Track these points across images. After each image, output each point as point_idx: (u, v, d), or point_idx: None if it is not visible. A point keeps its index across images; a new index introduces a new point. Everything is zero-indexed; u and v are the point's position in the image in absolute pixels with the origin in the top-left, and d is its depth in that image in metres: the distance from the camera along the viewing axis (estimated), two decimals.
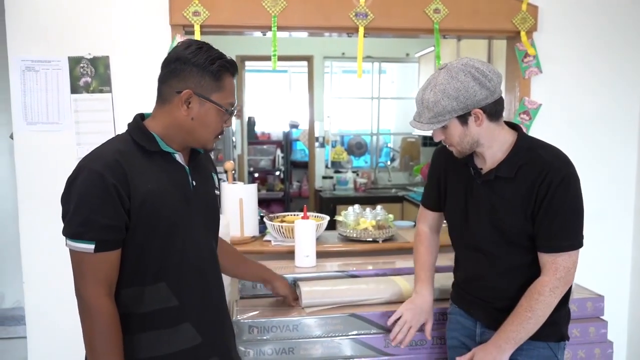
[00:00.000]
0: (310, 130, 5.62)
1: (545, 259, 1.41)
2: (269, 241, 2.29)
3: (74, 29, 2.19)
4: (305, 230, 2.02)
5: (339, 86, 5.89)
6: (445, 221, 1.72)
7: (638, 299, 2.57)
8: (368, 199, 4.75)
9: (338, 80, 5.91)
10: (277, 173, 6.28)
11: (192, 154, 1.35)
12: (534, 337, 1.45)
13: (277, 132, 6.52)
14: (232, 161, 2.54)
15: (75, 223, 1.17)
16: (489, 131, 1.43)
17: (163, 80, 1.27)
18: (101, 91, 2.21)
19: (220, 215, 1.52)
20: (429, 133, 1.49)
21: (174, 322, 1.28)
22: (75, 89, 2.20)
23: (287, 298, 1.76)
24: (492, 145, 1.46)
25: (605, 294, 1.89)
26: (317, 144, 5.64)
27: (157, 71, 2.18)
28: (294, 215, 2.44)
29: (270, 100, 6.68)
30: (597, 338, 1.83)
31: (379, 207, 2.42)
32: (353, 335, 1.72)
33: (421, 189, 4.85)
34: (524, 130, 1.70)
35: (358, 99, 5.99)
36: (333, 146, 5.66)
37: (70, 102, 2.20)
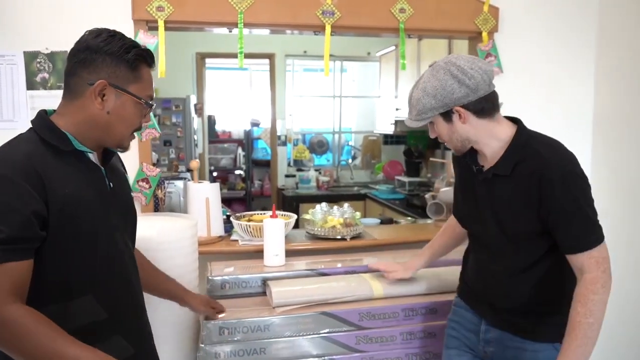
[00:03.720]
0: (272, 128, 5.58)
1: (580, 259, 1.33)
2: (236, 241, 2.26)
3: (30, 22, 2.10)
4: (274, 229, 2.01)
5: (301, 84, 5.88)
6: None
7: None
8: (331, 197, 4.76)
9: (299, 78, 5.90)
10: (238, 172, 6.22)
11: (106, 154, 1.24)
12: (540, 338, 1.42)
13: (238, 131, 6.46)
14: (197, 160, 2.48)
15: None
16: (481, 128, 1.39)
17: (71, 72, 1.14)
18: (60, 87, 2.12)
19: (185, 216, 1.46)
20: (414, 126, 1.47)
21: (104, 335, 1.18)
22: (31, 85, 2.11)
23: (208, 315, 1.66)
24: (490, 142, 1.42)
25: None
26: (278, 142, 5.61)
27: None
28: (261, 214, 2.42)
29: (231, 98, 6.60)
30: None
31: (346, 205, 2.43)
32: (324, 333, 1.72)
33: (383, 187, 4.92)
34: None
35: (320, 98, 6.00)
36: (295, 144, 5.64)
37: (26, 99, 2.11)
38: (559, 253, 1.38)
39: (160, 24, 2.13)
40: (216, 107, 6.31)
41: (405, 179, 4.76)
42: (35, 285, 1.08)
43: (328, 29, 2.26)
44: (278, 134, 5.58)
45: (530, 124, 1.45)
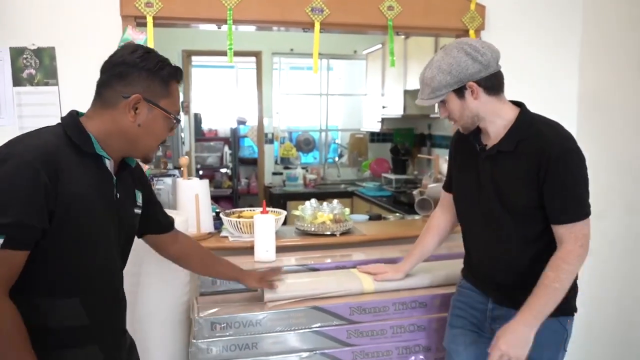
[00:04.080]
0: (259, 126, 5.57)
1: (562, 231, 1.44)
2: (226, 237, 2.26)
3: (16, 18, 2.07)
4: (265, 224, 2.02)
5: (287, 82, 5.88)
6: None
7: None
8: (318, 195, 4.72)
9: (286, 76, 5.90)
10: (225, 170, 6.19)
11: (121, 166, 1.28)
12: None
13: (224, 129, 6.43)
14: (186, 156, 2.48)
15: None
16: (489, 105, 1.49)
17: (106, 84, 1.20)
18: (47, 84, 2.11)
19: (174, 212, 1.48)
20: (427, 104, 1.55)
21: (80, 342, 1.18)
22: (18, 82, 2.08)
23: (262, 287, 1.76)
24: (495, 121, 1.52)
25: None
26: (265, 140, 5.60)
27: None
28: (251, 210, 2.42)
29: (217, 97, 6.57)
30: None
31: (335, 201, 2.45)
32: (316, 327, 1.74)
33: (370, 184, 4.94)
34: None
35: (306, 96, 6.01)
36: (282, 142, 5.64)
37: (12, 95, 2.08)
38: None
39: (149, 20, 2.12)
40: (202, 105, 6.28)
41: (392, 177, 4.79)
42: (26, 276, 1.09)
43: (317, 26, 2.27)
44: (265, 132, 5.57)
45: None
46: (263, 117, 5.56)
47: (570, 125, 2.65)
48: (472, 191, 1.61)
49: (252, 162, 6.09)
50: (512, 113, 1.52)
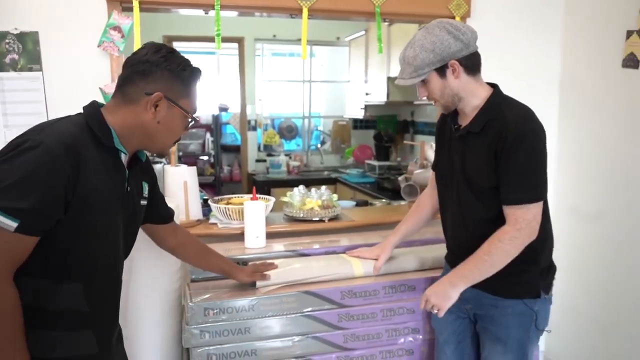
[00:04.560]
0: (242, 113, 5.54)
1: (506, 211, 1.49)
2: (215, 224, 2.27)
3: None
4: (255, 211, 2.02)
5: (270, 69, 5.84)
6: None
7: None
8: (302, 182, 4.70)
9: (268, 63, 5.86)
10: (207, 157, 6.15)
11: (133, 160, 1.32)
12: (508, 295, 1.56)
13: (206, 116, 6.37)
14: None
15: (10, 196, 1.04)
16: (468, 85, 1.52)
17: (129, 80, 1.23)
18: (30, 69, 2.07)
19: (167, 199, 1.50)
20: (409, 84, 1.54)
21: (76, 326, 1.21)
22: (0, 67, 2.04)
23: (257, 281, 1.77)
24: (471, 101, 1.55)
25: None
26: (248, 127, 5.57)
27: (93, 48, 2.11)
28: (239, 197, 2.43)
29: (198, 83, 6.49)
30: None
31: (323, 187, 2.46)
32: (308, 312, 1.76)
33: (354, 171, 4.97)
34: None
35: (289, 82, 5.98)
36: (265, 130, 5.62)
37: None
38: None
39: (135, 4, 2.09)
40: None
41: (375, 163, 4.82)
42: (32, 259, 1.11)
43: (305, 12, 2.27)
44: (248, 119, 5.54)
45: None
46: (246, 104, 5.52)
47: (551, 107, 2.75)
48: (447, 172, 1.65)
49: (234, 149, 6.06)
50: (485, 93, 1.55)
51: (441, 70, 1.49)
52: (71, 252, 1.16)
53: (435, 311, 1.57)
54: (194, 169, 2.29)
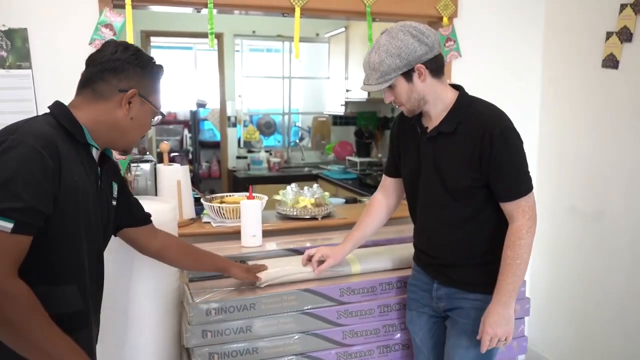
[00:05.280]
0: (222, 109, 5.50)
1: (510, 207, 1.52)
2: (208, 222, 2.26)
3: None
4: (251, 210, 2.03)
5: (249, 65, 5.82)
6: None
7: None
8: (283, 178, 4.79)
9: (247, 58, 5.83)
10: (177, 154, 6.09)
11: (102, 159, 1.32)
12: (479, 290, 1.60)
13: (184, 112, 6.31)
14: (167, 142, 2.44)
15: (1, 198, 1.03)
16: (433, 87, 1.54)
17: (99, 77, 1.23)
18: (19, 67, 2.02)
19: (157, 199, 1.49)
20: (376, 90, 1.54)
21: (77, 326, 1.21)
22: None
23: (248, 280, 1.77)
24: (437, 103, 1.57)
25: None
26: (228, 123, 5.54)
27: (84, 46, 2.07)
28: (230, 195, 2.43)
29: (176, 79, 6.42)
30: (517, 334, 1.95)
31: (315, 185, 2.49)
32: (307, 309, 1.78)
33: (335, 167, 5.00)
34: None
35: (268, 79, 5.97)
36: (245, 126, 5.60)
37: None
38: (493, 206, 1.56)
39: (128, 1, 2.06)
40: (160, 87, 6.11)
41: (357, 159, 4.86)
42: (29, 263, 1.10)
43: (297, 11, 2.28)
44: (228, 115, 5.50)
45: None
46: (226, 100, 5.49)
47: (533, 106, 2.83)
48: (415, 174, 1.67)
49: (213, 146, 6.03)
50: (452, 95, 1.58)
51: (407, 75, 1.50)
52: (60, 251, 1.15)
53: (504, 341, 1.54)
54: (186, 167, 2.28)
